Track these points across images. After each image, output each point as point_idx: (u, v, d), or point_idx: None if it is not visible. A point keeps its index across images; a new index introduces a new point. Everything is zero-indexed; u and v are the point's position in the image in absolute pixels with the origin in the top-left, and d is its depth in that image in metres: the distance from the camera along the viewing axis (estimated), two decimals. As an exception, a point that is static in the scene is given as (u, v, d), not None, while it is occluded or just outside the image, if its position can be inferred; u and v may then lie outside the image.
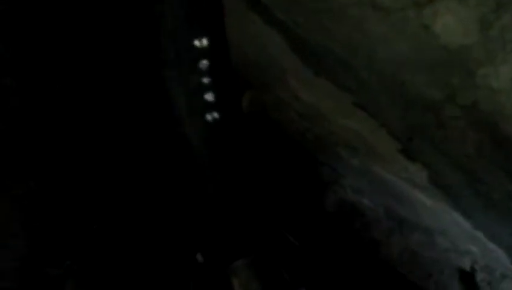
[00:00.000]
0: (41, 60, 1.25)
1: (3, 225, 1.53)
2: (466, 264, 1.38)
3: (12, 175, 1.40)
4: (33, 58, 1.25)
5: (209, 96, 0.63)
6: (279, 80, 1.35)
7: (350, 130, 1.33)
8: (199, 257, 0.93)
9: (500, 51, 0.69)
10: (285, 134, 1.59)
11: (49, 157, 1.40)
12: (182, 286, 1.14)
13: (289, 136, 1.59)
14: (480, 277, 1.35)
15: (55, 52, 1.22)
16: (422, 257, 1.51)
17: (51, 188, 1.44)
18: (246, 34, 1.22)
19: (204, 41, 0.58)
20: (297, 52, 1.12)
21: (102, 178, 1.39)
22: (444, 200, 1.26)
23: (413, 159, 1.20)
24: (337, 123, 1.35)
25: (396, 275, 1.61)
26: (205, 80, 0.61)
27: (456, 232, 1.39)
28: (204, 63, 0.60)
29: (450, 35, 0.69)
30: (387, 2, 0.72)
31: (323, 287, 1.44)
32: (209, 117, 0.65)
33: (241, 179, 0.79)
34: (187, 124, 0.66)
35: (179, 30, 0.57)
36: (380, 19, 0.76)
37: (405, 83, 0.86)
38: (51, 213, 1.48)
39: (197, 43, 0.57)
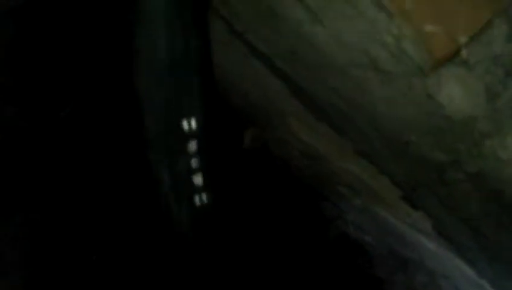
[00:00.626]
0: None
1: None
2: (470, 310, 1.35)
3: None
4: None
5: (197, 179, 0.59)
6: (280, 121, 1.32)
7: (351, 173, 1.30)
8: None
9: (508, 122, 0.66)
10: (286, 170, 1.56)
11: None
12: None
13: (290, 172, 1.57)
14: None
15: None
16: (426, 299, 1.47)
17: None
18: (247, 78, 1.20)
19: (193, 122, 0.55)
20: (299, 98, 1.10)
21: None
22: (448, 248, 1.23)
23: (416, 207, 1.17)
24: (338, 165, 1.32)
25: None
26: (193, 162, 0.58)
27: (460, 278, 1.36)
28: (192, 144, 0.57)
29: (455, 106, 0.66)
30: (389, 67, 0.69)
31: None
32: (197, 200, 0.61)
33: (231, 265, 0.75)
34: (174, 209, 0.61)
35: (166, 109, 0.53)
36: (383, 82, 0.73)
37: (409, 143, 0.83)
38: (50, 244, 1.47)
39: (185, 123, 0.54)
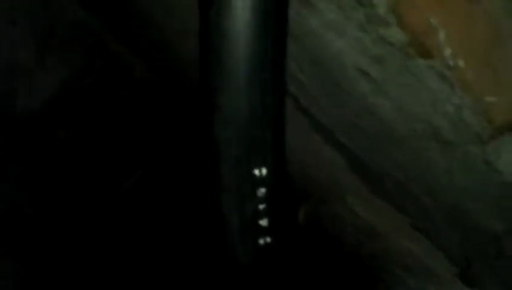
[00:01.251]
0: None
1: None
2: None
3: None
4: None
5: (263, 222, 0.65)
6: (337, 196, 1.37)
7: (406, 250, 1.32)
8: None
9: None
10: (340, 247, 1.59)
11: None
12: None
13: (344, 250, 1.58)
14: None
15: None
16: None
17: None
18: (307, 153, 1.26)
19: (264, 171, 0.61)
20: (357, 172, 1.15)
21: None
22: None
23: (472, 285, 1.17)
24: (393, 242, 1.34)
25: None
26: (261, 207, 0.64)
27: None
28: (261, 191, 0.63)
29: (513, 173, 0.70)
30: (451, 136, 0.74)
31: None
32: (261, 241, 0.67)
33: None
34: (239, 246, 0.67)
35: (241, 159, 0.60)
36: (442, 151, 0.78)
37: (466, 212, 0.86)
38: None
39: (256, 172, 0.60)
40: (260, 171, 0.60)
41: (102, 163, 1.84)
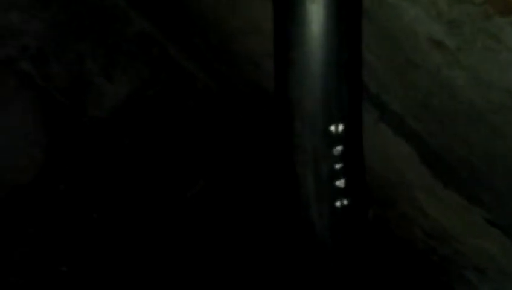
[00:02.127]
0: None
1: None
2: None
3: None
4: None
5: (339, 183, 0.62)
6: (405, 195, 1.33)
7: (480, 251, 1.26)
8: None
9: None
10: (408, 252, 1.53)
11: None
12: None
13: (412, 255, 1.53)
14: None
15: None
16: None
17: None
18: (373, 148, 1.24)
19: (340, 127, 0.59)
20: (427, 163, 1.11)
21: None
22: None
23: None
24: (466, 243, 1.28)
25: None
26: (337, 166, 0.61)
27: None
28: (338, 149, 0.61)
29: None
30: (531, 106, 0.71)
31: None
32: (338, 204, 0.64)
33: (362, 271, 0.75)
34: (314, 210, 0.64)
35: (316, 115, 0.58)
36: (523, 124, 0.75)
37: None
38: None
39: (332, 128, 0.58)
40: (336, 128, 0.58)
41: (166, 171, 1.86)
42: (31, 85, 1.73)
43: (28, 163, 1.76)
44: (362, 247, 0.70)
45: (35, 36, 1.74)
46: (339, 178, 0.61)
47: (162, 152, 1.87)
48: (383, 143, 1.19)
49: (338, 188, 0.62)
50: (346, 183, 0.62)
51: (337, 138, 0.59)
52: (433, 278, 1.55)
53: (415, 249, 1.47)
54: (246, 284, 1.64)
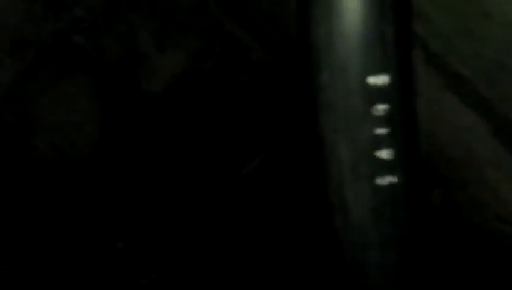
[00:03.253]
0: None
1: None
2: None
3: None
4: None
5: (383, 154, 0.47)
6: (477, 176, 1.19)
7: None
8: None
9: None
10: (481, 238, 1.39)
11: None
12: None
13: (485, 241, 1.39)
14: None
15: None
16: None
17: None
18: (438, 120, 1.10)
19: (383, 79, 0.44)
20: (500, 136, 0.97)
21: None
22: None
23: None
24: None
25: None
26: (380, 132, 0.48)
27: None
28: (380, 108, 0.47)
29: None
30: None
31: None
32: (381, 181, 0.48)
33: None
34: (348, 190, 0.49)
35: (349, 62, 0.44)
36: None
37: None
38: None
39: (371, 80, 0.44)
40: (377, 80, 0.44)
41: (220, 147, 1.80)
42: (84, 59, 1.70)
43: (83, 138, 1.75)
44: (419, 239, 0.55)
45: (87, 8, 1.70)
46: (381, 147, 0.47)
47: (217, 128, 1.80)
48: (450, 115, 1.06)
49: (381, 161, 0.47)
50: (392, 154, 0.47)
51: (379, 94, 0.45)
52: (507, 265, 1.41)
53: (487, 234, 1.33)
54: (299, 267, 1.56)
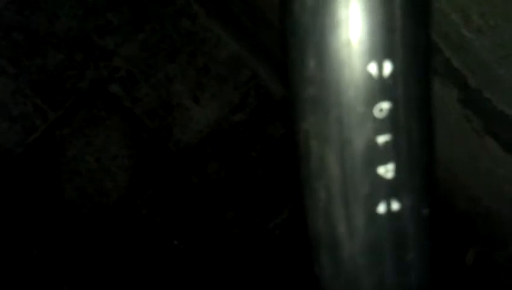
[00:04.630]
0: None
1: None
2: None
3: None
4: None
5: (384, 171, 0.35)
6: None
7: None
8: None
9: None
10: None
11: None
12: None
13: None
14: None
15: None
16: None
17: None
18: (476, 169, 1.02)
19: (387, 66, 0.33)
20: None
21: None
22: None
23: None
24: None
25: None
26: (381, 139, 0.34)
27: None
28: (383, 107, 0.34)
29: None
30: None
31: None
32: (382, 208, 0.35)
33: None
34: (339, 215, 0.36)
35: (341, 49, 0.33)
36: None
37: None
38: None
39: (372, 68, 0.34)
40: (380, 68, 0.33)
41: (250, 200, 1.75)
42: (118, 107, 1.71)
43: (113, 185, 1.73)
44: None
45: (126, 58, 1.73)
46: (384, 162, 0.34)
47: (248, 180, 1.76)
48: (490, 162, 0.97)
49: (383, 180, 0.34)
50: (396, 171, 0.34)
51: (380, 86, 0.33)
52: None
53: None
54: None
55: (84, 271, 1.68)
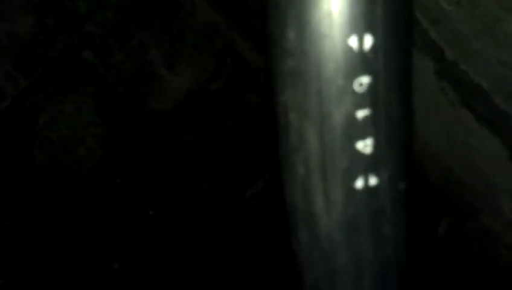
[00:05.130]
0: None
1: None
2: None
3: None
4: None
5: (363, 145, 0.35)
6: (489, 204, 1.11)
7: None
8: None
9: None
10: (490, 270, 1.30)
11: None
12: None
13: (496, 273, 1.29)
14: None
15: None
16: None
17: None
18: (450, 141, 1.04)
19: (368, 41, 0.33)
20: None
21: None
22: None
23: None
24: None
25: None
26: (361, 114, 0.34)
27: None
28: (362, 81, 0.34)
29: None
30: None
31: None
32: (359, 183, 0.36)
33: None
34: (316, 189, 0.36)
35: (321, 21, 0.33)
36: None
37: None
38: None
39: (352, 41, 0.36)
40: (361, 42, 0.33)
41: (226, 169, 1.74)
42: (92, 74, 1.67)
43: (86, 153, 1.71)
44: (410, 265, 0.41)
45: (99, 24, 1.68)
46: (361, 137, 0.35)
47: (222, 148, 1.75)
48: (463, 134, 0.99)
49: (362, 155, 0.35)
50: (374, 146, 0.35)
51: (360, 60, 0.34)
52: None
53: (497, 267, 1.24)
54: None
55: (58, 241, 1.67)
